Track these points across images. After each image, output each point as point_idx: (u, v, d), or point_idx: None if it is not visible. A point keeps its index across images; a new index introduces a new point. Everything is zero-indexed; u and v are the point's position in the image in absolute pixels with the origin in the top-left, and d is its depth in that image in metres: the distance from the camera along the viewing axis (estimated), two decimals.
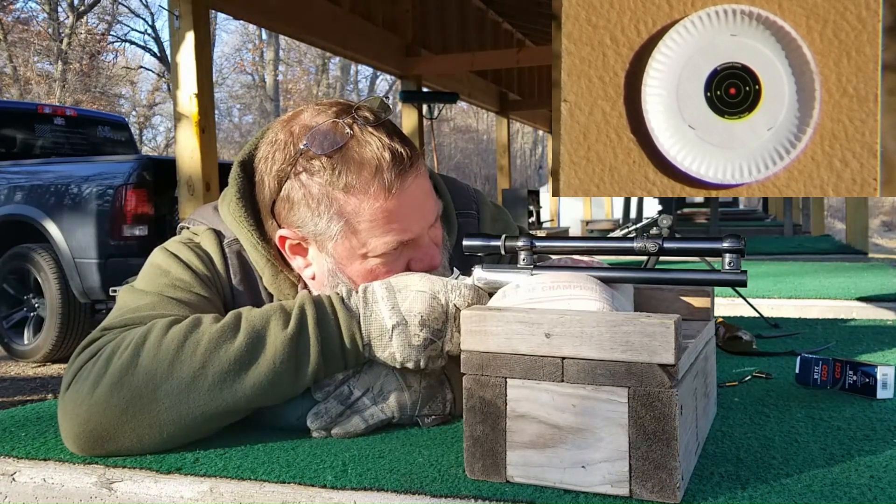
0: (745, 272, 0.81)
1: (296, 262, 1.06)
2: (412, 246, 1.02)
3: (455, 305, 0.91)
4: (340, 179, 0.97)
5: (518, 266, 0.91)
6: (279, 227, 1.04)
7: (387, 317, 0.91)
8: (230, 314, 0.94)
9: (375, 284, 0.94)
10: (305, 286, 1.08)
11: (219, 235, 1.09)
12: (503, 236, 0.92)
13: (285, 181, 1.01)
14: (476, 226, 1.21)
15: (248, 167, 1.10)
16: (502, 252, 0.93)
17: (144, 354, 0.88)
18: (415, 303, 0.91)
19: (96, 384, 0.87)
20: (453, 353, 0.92)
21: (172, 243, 1.09)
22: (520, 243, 0.91)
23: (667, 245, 0.84)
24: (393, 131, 1.01)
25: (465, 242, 0.94)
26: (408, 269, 1.03)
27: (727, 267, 0.81)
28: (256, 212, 1.07)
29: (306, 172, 0.99)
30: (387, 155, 0.97)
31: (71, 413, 0.87)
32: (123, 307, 1.00)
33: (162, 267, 1.05)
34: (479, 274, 0.92)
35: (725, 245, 0.81)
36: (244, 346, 0.89)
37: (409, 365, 0.91)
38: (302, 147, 0.99)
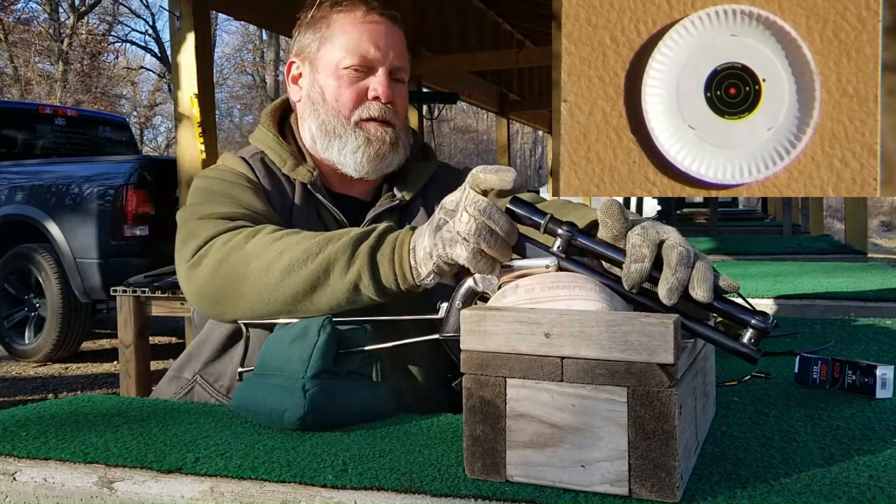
0: (760, 350, 0.82)
1: (293, 91, 1.34)
2: (372, 76, 1.27)
3: (470, 188, 0.92)
4: (342, 8, 1.29)
5: (549, 251, 0.88)
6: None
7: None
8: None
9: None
10: (321, 174, 1.30)
11: (240, 156, 1.31)
12: (549, 215, 0.89)
13: (301, 21, 1.35)
14: (456, 177, 1.36)
15: (285, 108, 1.39)
16: (541, 230, 0.90)
17: (251, 243, 1.08)
18: (452, 195, 0.98)
19: (206, 262, 1.11)
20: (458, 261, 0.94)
21: (204, 171, 1.31)
22: (561, 230, 0.88)
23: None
24: None
25: (508, 206, 0.92)
26: (365, 97, 1.27)
27: (746, 340, 0.82)
28: (281, 127, 1.35)
29: (323, 8, 1.31)
30: (375, 3, 1.30)
31: (194, 280, 1.13)
32: (193, 226, 1.18)
33: (202, 186, 1.25)
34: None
35: (753, 321, 0.81)
36: (318, 242, 1.05)
37: (430, 266, 0.97)
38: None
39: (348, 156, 1.27)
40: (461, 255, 0.91)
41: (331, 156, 1.29)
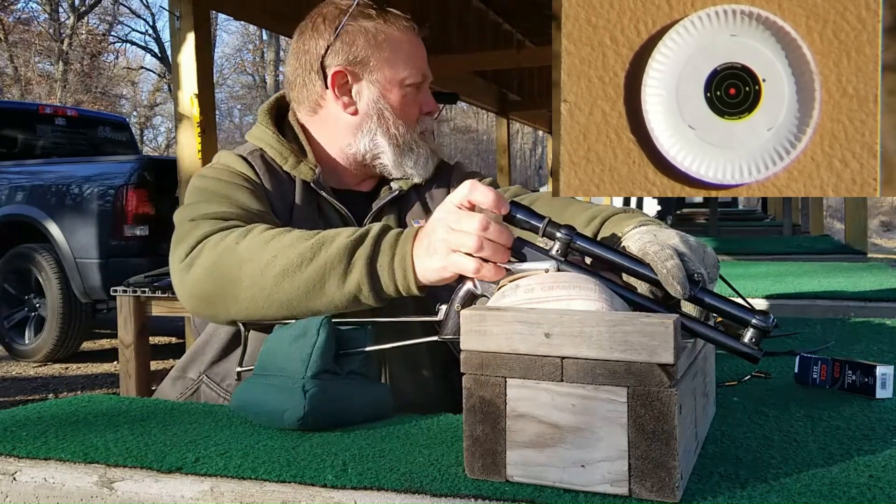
0: (762, 350, 0.83)
1: (341, 102, 1.31)
2: (423, 90, 1.34)
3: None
4: (390, 22, 1.31)
5: (548, 254, 0.89)
6: (326, 78, 1.30)
7: None
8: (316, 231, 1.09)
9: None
10: (321, 171, 1.29)
11: (238, 154, 1.29)
12: (546, 219, 0.91)
13: (341, 29, 1.29)
14: (448, 171, 1.42)
15: (279, 106, 1.38)
16: (539, 234, 0.91)
17: (242, 244, 1.07)
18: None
19: (199, 263, 1.10)
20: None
21: (202, 170, 1.30)
22: (560, 234, 0.89)
23: (700, 296, 0.84)
24: None
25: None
26: (420, 112, 1.32)
27: (747, 340, 0.82)
28: (279, 125, 1.34)
29: (363, 17, 1.29)
30: (412, 23, 1.34)
31: (187, 282, 1.11)
32: (186, 228, 1.16)
33: (199, 186, 1.24)
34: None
35: (755, 321, 0.82)
36: (310, 246, 1.04)
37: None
38: (354, 4, 1.29)
39: (421, 167, 1.32)
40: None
41: (397, 171, 1.32)
